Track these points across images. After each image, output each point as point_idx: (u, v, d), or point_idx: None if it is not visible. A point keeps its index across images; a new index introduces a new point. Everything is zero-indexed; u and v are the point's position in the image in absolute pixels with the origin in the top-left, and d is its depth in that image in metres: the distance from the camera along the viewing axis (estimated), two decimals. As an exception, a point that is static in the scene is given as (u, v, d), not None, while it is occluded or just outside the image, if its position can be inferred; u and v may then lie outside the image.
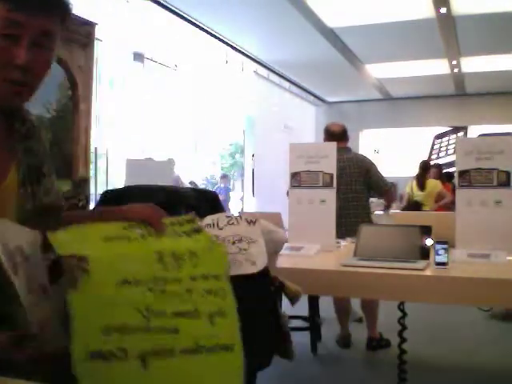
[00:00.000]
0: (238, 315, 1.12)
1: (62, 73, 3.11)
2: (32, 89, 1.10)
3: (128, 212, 1.17)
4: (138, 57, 7.89)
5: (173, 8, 6.21)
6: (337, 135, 3.82)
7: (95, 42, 3.35)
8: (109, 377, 1.00)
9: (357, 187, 3.67)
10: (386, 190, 3.83)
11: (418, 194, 6.87)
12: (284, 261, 2.22)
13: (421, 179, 6.89)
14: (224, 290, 1.12)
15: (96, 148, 6.48)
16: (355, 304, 4.08)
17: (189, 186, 10.15)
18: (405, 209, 7.06)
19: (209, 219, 1.49)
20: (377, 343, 3.64)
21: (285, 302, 1.70)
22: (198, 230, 1.17)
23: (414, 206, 6.87)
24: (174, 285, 1.08)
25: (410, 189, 7.11)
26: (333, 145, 3.06)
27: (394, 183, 4.62)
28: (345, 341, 3.75)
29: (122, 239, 1.11)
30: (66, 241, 1.06)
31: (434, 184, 6.81)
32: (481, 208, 2.65)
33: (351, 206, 3.64)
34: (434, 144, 11.88)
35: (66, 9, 1.11)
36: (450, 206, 6.12)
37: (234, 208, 11.82)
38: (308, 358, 3.54)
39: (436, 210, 6.39)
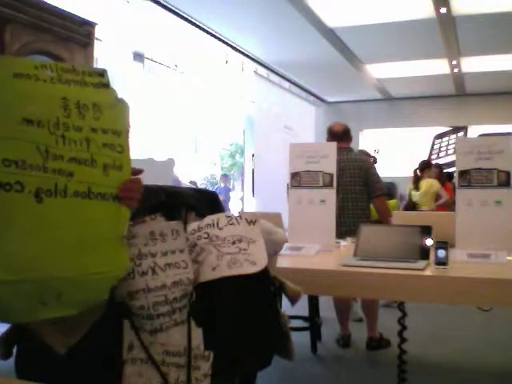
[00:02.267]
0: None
1: (62, 73, 3.11)
2: None
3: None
4: (138, 57, 7.89)
5: (173, 8, 6.21)
6: (338, 135, 3.82)
7: (95, 41, 3.35)
8: (6, 205, 1.07)
9: (357, 187, 3.67)
10: (377, 194, 3.69)
11: (415, 194, 6.87)
12: (284, 261, 2.23)
13: (416, 179, 6.89)
14: (121, 147, 1.19)
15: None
16: (356, 304, 4.08)
17: (189, 185, 10.16)
18: (405, 209, 7.07)
19: (209, 219, 1.48)
20: (377, 343, 3.64)
21: (285, 302, 1.70)
22: (106, 85, 1.22)
23: (411, 206, 6.88)
24: (74, 132, 1.14)
25: (408, 189, 7.12)
26: (333, 145, 3.06)
27: (392, 183, 4.53)
28: (345, 341, 3.75)
29: (31, 78, 1.14)
30: None
31: (429, 184, 6.75)
32: (481, 208, 2.65)
33: (351, 206, 3.64)
34: (433, 144, 11.88)
35: None
36: (450, 206, 6.12)
37: (233, 208, 11.82)
38: (308, 358, 3.54)
39: (434, 210, 6.39)
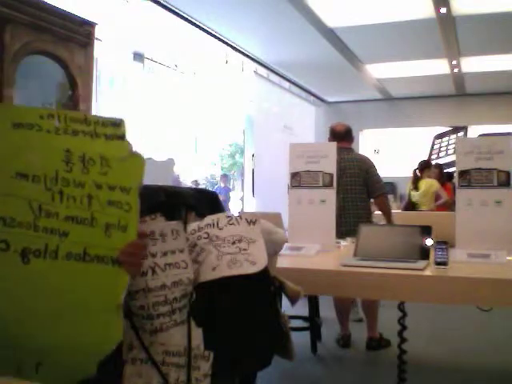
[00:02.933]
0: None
1: (62, 73, 3.10)
2: None
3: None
4: (138, 57, 7.88)
5: (173, 8, 6.21)
6: (340, 135, 3.87)
7: (95, 41, 3.35)
8: None
9: (357, 187, 3.67)
10: (378, 194, 3.72)
11: (414, 195, 6.88)
12: (284, 261, 2.23)
13: (415, 179, 6.90)
14: (129, 205, 1.09)
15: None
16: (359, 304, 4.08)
17: (190, 185, 10.16)
18: (405, 209, 7.08)
19: (209, 219, 1.48)
20: (377, 343, 3.64)
21: (285, 302, 1.70)
22: (121, 137, 1.12)
23: (410, 206, 6.89)
24: (74, 188, 1.06)
25: (408, 189, 7.12)
26: (333, 145, 3.06)
27: (392, 183, 4.55)
28: (345, 341, 3.75)
29: (33, 128, 1.07)
30: None
31: (429, 184, 6.76)
32: (481, 208, 2.65)
33: (351, 206, 3.64)
34: (433, 144, 11.88)
35: None
36: (450, 206, 6.12)
37: (233, 208, 11.82)
38: (308, 358, 3.54)
39: (434, 210, 6.39)
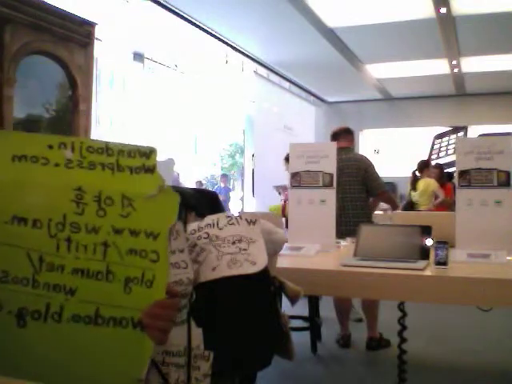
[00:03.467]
0: (163, 288, 0.87)
1: (62, 73, 3.10)
2: None
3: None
4: (138, 57, 7.88)
5: (173, 8, 6.21)
6: (334, 134, 3.91)
7: (95, 41, 3.35)
8: None
9: (356, 187, 3.68)
10: (379, 192, 3.77)
11: (413, 194, 6.90)
12: (284, 261, 2.23)
13: (414, 180, 6.94)
14: (157, 254, 0.88)
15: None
16: (357, 304, 4.08)
17: (194, 185, 10.15)
18: (404, 209, 7.09)
19: (209, 219, 1.48)
20: (377, 343, 3.64)
21: (285, 301, 1.70)
22: (150, 170, 0.90)
23: (409, 206, 6.91)
24: (85, 234, 0.86)
25: (409, 189, 7.14)
26: (333, 145, 3.06)
27: (392, 183, 4.62)
28: (345, 340, 3.75)
29: (38, 161, 0.87)
30: None
31: (427, 183, 6.79)
32: (481, 208, 2.65)
33: (350, 205, 3.65)
34: (433, 144, 11.88)
35: None
36: (450, 206, 6.12)
37: (233, 208, 11.82)
38: (308, 358, 3.54)
39: (432, 210, 6.41)
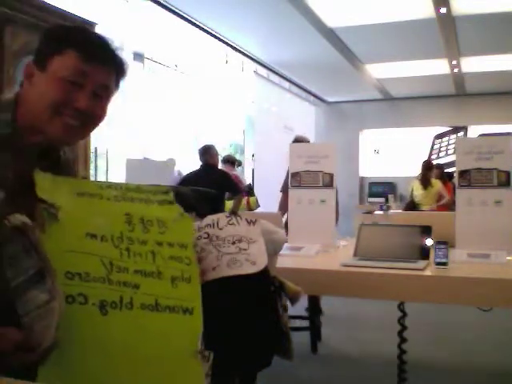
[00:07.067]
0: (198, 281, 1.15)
1: (62, 73, 3.10)
2: (86, 131, 1.22)
3: None
4: (138, 57, 7.88)
5: (173, 8, 6.21)
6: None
7: (95, 42, 3.35)
8: (69, 318, 1.02)
9: None
10: None
11: (418, 194, 6.89)
12: (284, 261, 2.22)
13: (425, 178, 6.91)
14: (189, 259, 1.15)
15: (96, 148, 6.48)
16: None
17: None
18: (406, 209, 7.09)
19: (209, 219, 1.48)
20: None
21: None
22: (171, 202, 1.21)
23: (412, 206, 6.90)
24: (138, 245, 1.12)
25: (411, 189, 7.13)
26: (332, 145, 3.06)
27: (392, 183, 4.59)
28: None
29: (95, 197, 1.15)
30: (43, 186, 1.11)
31: (436, 183, 6.86)
32: (481, 208, 2.65)
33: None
34: (433, 144, 11.88)
35: (124, 69, 1.25)
36: (450, 206, 6.13)
37: (233, 208, 11.78)
38: (308, 358, 3.54)
39: (436, 210, 6.41)
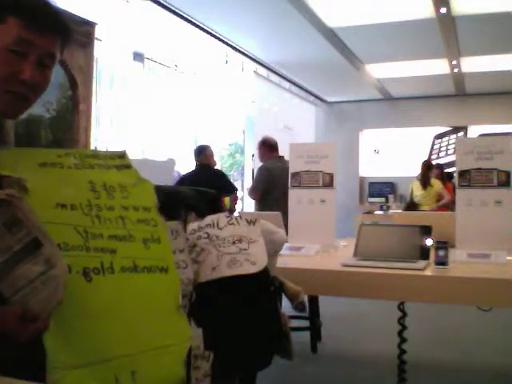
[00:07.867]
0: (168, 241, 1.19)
1: (62, 73, 3.10)
2: (30, 103, 1.17)
3: None
4: (138, 57, 7.89)
5: (173, 8, 6.21)
6: (275, 146, 4.80)
7: (95, 41, 3.35)
8: None
9: None
10: None
11: (418, 194, 6.89)
12: (284, 261, 2.23)
13: (425, 178, 6.91)
14: (154, 220, 1.18)
15: (96, 148, 6.47)
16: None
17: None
18: (405, 209, 7.09)
19: (209, 219, 1.49)
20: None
21: (285, 301, 1.70)
22: (128, 166, 1.25)
23: (412, 206, 6.90)
24: (107, 212, 1.15)
25: (411, 189, 7.13)
26: (332, 145, 3.06)
27: (392, 183, 4.58)
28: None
29: (56, 166, 1.16)
30: (2, 162, 1.10)
31: (436, 183, 6.85)
32: (481, 208, 2.65)
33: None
34: (433, 144, 11.87)
35: (69, 35, 1.18)
36: (450, 206, 6.13)
37: (233, 208, 11.79)
38: (308, 358, 3.54)
39: (436, 210, 6.41)
